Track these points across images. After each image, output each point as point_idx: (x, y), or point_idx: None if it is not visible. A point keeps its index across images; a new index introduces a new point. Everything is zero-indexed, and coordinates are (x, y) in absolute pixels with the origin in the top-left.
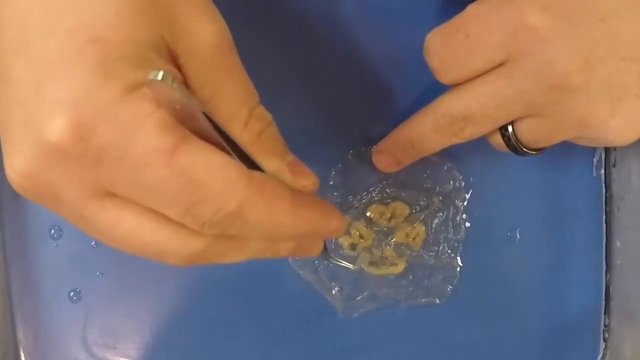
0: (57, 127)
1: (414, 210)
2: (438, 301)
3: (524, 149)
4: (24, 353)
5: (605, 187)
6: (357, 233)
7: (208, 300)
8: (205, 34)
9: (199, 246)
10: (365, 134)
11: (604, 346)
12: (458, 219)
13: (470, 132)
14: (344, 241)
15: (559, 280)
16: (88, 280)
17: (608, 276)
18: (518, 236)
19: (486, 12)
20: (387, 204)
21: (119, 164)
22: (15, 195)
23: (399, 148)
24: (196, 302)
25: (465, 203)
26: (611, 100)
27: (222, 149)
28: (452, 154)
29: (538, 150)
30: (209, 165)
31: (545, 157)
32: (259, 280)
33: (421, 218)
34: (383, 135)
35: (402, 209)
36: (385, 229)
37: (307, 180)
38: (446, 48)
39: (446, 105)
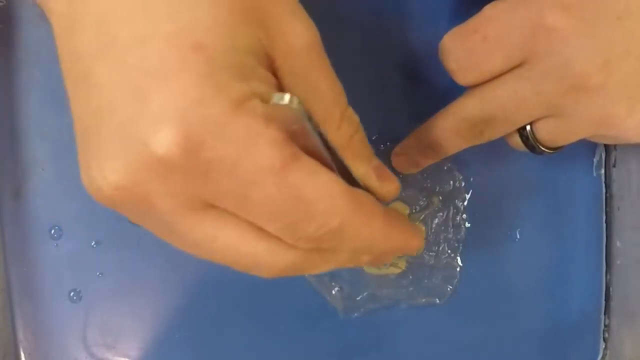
0: (164, 140)
1: (414, 210)
2: (438, 301)
3: (542, 149)
4: (24, 353)
5: (605, 187)
6: None
7: (208, 300)
8: (299, 34)
9: (293, 259)
10: (368, 134)
11: (604, 346)
12: (458, 219)
13: (490, 134)
14: None
15: (559, 280)
16: (88, 280)
17: (608, 276)
18: (518, 236)
19: (504, 12)
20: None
21: (226, 179)
22: (15, 195)
23: (417, 151)
24: (196, 302)
25: (465, 203)
26: (629, 99)
27: (326, 165)
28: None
29: (556, 149)
30: (316, 183)
31: (545, 157)
32: (258, 280)
33: (421, 218)
34: (387, 135)
35: (402, 209)
36: None
37: (392, 185)
38: (464, 50)
39: (465, 109)
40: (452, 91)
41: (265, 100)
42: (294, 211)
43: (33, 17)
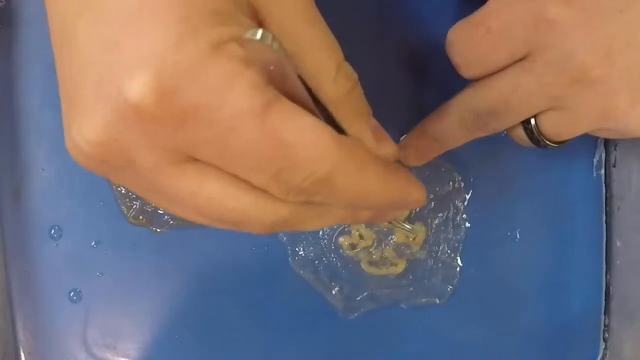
0: (138, 87)
1: (413, 211)
2: (438, 301)
3: (547, 142)
4: (24, 353)
5: (605, 187)
6: (357, 233)
7: (208, 300)
8: None
9: (282, 214)
10: None
11: (604, 346)
12: (458, 219)
13: (494, 126)
14: (344, 241)
15: (559, 280)
16: (88, 280)
17: (608, 276)
18: (518, 236)
19: (507, 6)
20: None
21: (205, 127)
22: (15, 195)
23: (423, 143)
24: (196, 302)
25: (465, 203)
26: (631, 91)
27: (311, 111)
28: (451, 154)
29: (560, 143)
30: (301, 127)
31: (546, 157)
32: (259, 280)
33: (421, 218)
34: (392, 132)
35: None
36: (385, 229)
37: (390, 148)
38: (468, 43)
39: (469, 101)
40: (457, 87)
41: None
42: (277, 159)
43: (33, 17)
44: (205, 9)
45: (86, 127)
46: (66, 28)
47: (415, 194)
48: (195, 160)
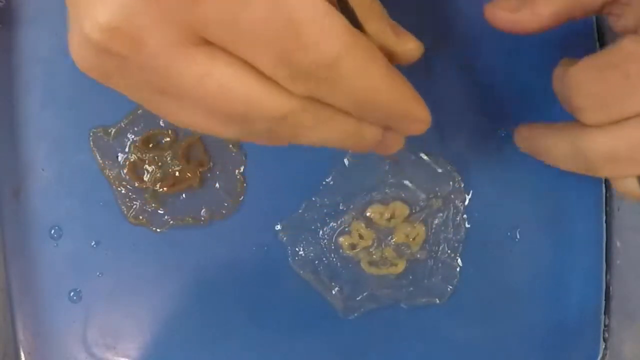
0: None
1: (414, 211)
2: (438, 301)
3: None
4: (24, 353)
5: (605, 187)
6: (357, 233)
7: (208, 300)
8: None
9: (289, 105)
10: None
11: (604, 346)
12: (458, 219)
13: (608, 173)
14: (344, 241)
15: (559, 280)
16: (88, 280)
17: (608, 276)
18: (518, 236)
19: None
20: (387, 204)
21: (217, 2)
22: (15, 195)
23: (530, 147)
24: (196, 302)
25: (465, 203)
26: None
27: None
28: (452, 154)
29: None
30: (313, 8)
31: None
32: (258, 280)
33: (421, 218)
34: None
35: (402, 209)
36: (385, 229)
37: (412, 43)
38: (601, 87)
39: (588, 143)
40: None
41: None
42: (287, 38)
43: (33, 17)
44: None
45: (101, 12)
46: None
47: (420, 110)
48: (206, 44)
